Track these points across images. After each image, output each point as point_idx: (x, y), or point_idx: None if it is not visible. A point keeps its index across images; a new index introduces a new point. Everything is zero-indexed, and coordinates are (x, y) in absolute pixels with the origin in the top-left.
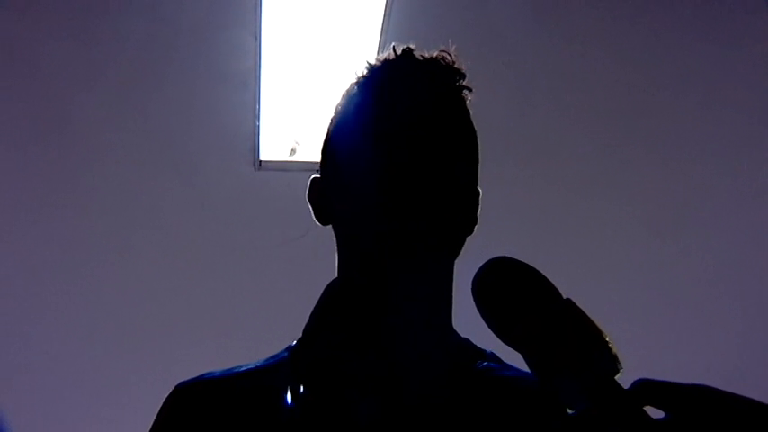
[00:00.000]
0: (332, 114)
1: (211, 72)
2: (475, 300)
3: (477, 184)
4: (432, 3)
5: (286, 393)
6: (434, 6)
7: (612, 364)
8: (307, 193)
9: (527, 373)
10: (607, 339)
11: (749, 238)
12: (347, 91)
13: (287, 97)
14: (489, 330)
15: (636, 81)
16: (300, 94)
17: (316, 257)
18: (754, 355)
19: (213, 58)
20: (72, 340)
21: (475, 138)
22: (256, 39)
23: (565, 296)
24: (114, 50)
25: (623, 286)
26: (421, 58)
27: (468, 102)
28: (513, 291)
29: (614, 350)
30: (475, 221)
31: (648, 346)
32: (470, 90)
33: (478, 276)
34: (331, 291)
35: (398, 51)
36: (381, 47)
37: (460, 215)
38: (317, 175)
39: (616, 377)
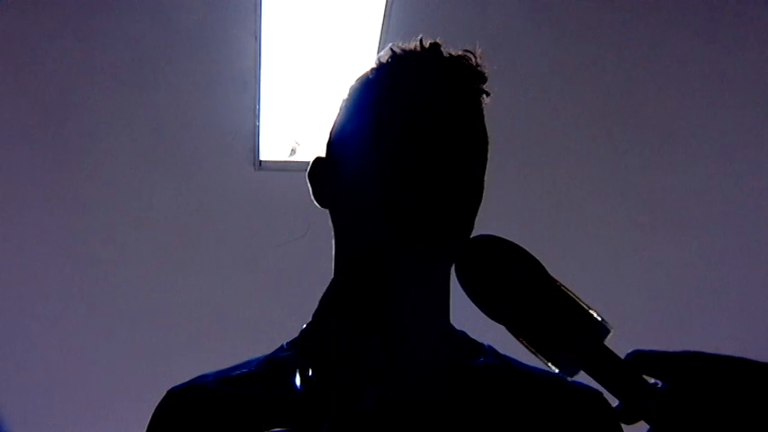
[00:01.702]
0: (345, 96)
1: (211, 72)
2: (460, 281)
3: (482, 190)
4: (431, 3)
5: (295, 376)
6: (434, 7)
7: (599, 330)
8: (308, 171)
9: (526, 366)
10: (590, 309)
11: (750, 238)
12: (365, 75)
13: (287, 97)
14: (486, 326)
15: (636, 81)
16: (300, 94)
17: (316, 257)
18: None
19: (213, 58)
20: (71, 340)
21: (486, 144)
22: (256, 39)
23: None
24: (114, 51)
25: (623, 285)
26: (447, 55)
27: (484, 105)
28: (493, 270)
29: (598, 317)
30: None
31: (648, 345)
32: (488, 94)
33: (459, 257)
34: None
35: (425, 44)
36: (381, 47)
37: (463, 217)
38: (322, 155)
39: (608, 338)
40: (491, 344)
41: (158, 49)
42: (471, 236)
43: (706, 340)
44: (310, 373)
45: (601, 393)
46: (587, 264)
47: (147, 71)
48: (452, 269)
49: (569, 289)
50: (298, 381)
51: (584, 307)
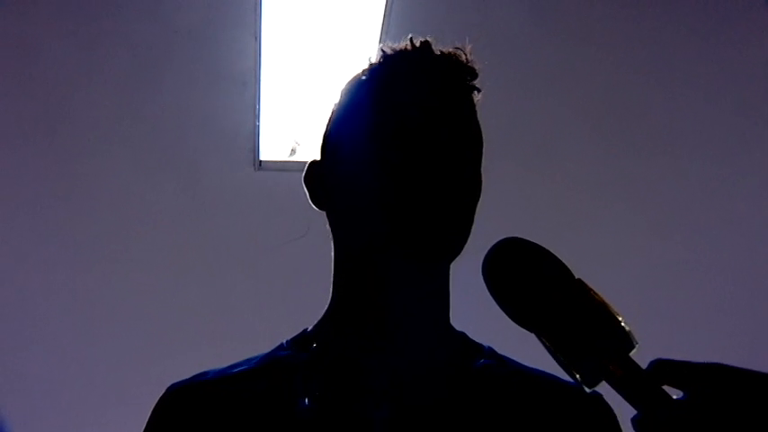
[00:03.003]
0: (338, 98)
1: (211, 72)
2: (486, 282)
3: (479, 186)
4: (431, 3)
5: (302, 394)
6: (434, 7)
7: (626, 340)
8: (303, 175)
9: (526, 367)
10: (619, 317)
11: (751, 237)
12: (356, 77)
13: (287, 97)
14: (486, 323)
15: (635, 81)
16: (300, 94)
17: (316, 257)
18: (759, 359)
19: (213, 58)
20: (71, 341)
21: (480, 140)
22: (256, 39)
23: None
24: (114, 51)
25: (624, 286)
26: (438, 53)
27: (476, 102)
28: (525, 272)
29: (627, 327)
30: (471, 224)
31: (648, 347)
32: (479, 91)
33: (489, 258)
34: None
35: (416, 43)
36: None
37: (463, 219)
38: (317, 159)
39: (632, 353)
40: (491, 345)
41: (158, 49)
42: (478, 243)
43: (710, 345)
44: (315, 383)
45: (601, 396)
46: (586, 266)
47: (147, 71)
48: (454, 271)
49: (599, 294)
50: (306, 401)
51: (615, 315)
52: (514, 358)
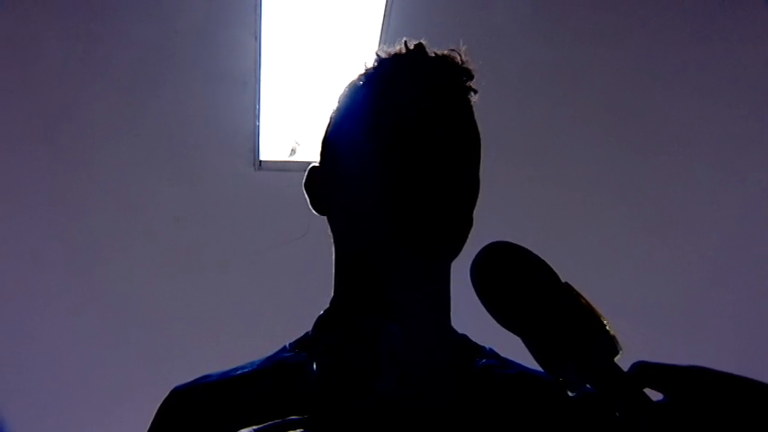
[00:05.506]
0: (335, 104)
1: (211, 72)
2: (474, 286)
3: (477, 186)
4: (431, 3)
5: (305, 371)
6: (434, 7)
7: (612, 345)
8: (304, 181)
9: (527, 368)
10: (605, 322)
11: (752, 239)
12: (353, 82)
13: (287, 97)
14: (486, 326)
15: (635, 81)
16: (300, 94)
17: (316, 257)
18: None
19: (213, 58)
20: (71, 341)
21: (478, 140)
22: (256, 39)
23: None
24: (114, 51)
25: (624, 286)
26: (433, 55)
27: (474, 102)
28: (512, 277)
29: (612, 332)
30: (471, 224)
31: (646, 348)
32: (476, 92)
33: (477, 262)
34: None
35: (410, 46)
36: (381, 47)
37: (463, 218)
38: (317, 164)
39: (616, 358)
40: (492, 347)
41: (159, 49)
42: (478, 243)
43: (711, 347)
44: (320, 367)
45: (602, 396)
46: (586, 268)
47: (147, 71)
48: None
49: (586, 298)
50: (314, 366)
51: (601, 319)
52: (516, 360)
